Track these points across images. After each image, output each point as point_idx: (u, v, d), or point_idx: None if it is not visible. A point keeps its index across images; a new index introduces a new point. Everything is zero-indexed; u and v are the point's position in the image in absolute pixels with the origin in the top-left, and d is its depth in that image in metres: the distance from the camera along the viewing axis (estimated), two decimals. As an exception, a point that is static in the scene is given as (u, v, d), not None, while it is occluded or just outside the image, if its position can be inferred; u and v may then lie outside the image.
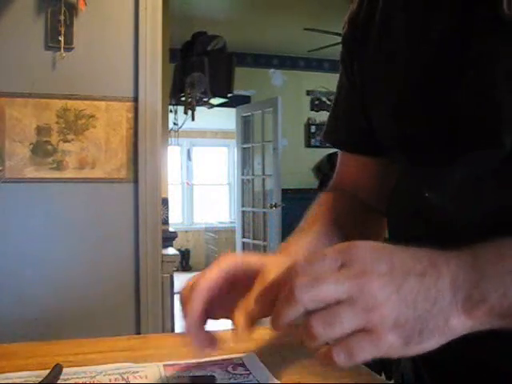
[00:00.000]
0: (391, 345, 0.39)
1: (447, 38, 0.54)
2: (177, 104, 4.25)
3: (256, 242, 5.63)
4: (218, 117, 6.25)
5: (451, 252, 0.42)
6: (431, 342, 0.39)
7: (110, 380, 0.55)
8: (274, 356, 0.63)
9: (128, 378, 0.55)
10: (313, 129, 6.14)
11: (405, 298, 0.39)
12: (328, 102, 6.16)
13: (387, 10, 0.63)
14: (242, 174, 5.92)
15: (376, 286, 0.39)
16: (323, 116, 6.12)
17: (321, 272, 0.40)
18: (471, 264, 0.41)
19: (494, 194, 0.52)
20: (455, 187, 0.55)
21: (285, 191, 5.30)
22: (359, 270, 0.40)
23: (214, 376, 0.55)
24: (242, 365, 0.60)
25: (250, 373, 0.58)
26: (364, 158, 0.75)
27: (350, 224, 0.72)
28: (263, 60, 6.01)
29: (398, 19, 0.61)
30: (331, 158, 5.95)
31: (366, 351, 0.39)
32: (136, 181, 2.05)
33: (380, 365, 1.99)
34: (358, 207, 0.76)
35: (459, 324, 0.39)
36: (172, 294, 2.26)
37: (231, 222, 7.15)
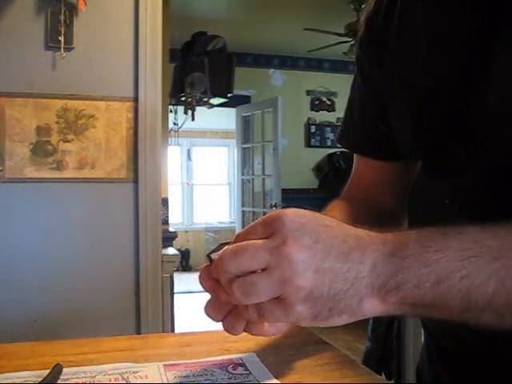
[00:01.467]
0: (299, 315, 0.41)
1: (468, 48, 0.53)
2: (177, 104, 4.25)
3: (256, 242, 5.62)
4: (217, 117, 6.25)
5: (380, 236, 0.42)
6: (339, 320, 0.41)
7: (110, 380, 0.55)
8: (274, 356, 0.63)
9: (128, 377, 0.55)
10: (313, 129, 6.14)
11: (323, 275, 0.40)
12: (328, 102, 6.17)
13: (406, 13, 0.62)
14: (242, 174, 5.92)
15: (295, 257, 0.40)
16: (323, 116, 6.13)
17: (247, 242, 0.42)
18: (394, 253, 0.41)
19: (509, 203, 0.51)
20: (474, 195, 0.55)
21: (285, 191, 5.30)
22: (281, 240, 0.40)
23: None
24: (242, 365, 0.60)
25: (250, 373, 0.58)
26: (379, 163, 0.74)
27: None
28: (263, 60, 6.01)
29: (417, 24, 0.60)
30: (331, 158, 5.95)
31: (276, 316, 0.41)
32: (136, 181, 2.05)
33: (380, 364, 1.99)
34: (368, 214, 0.74)
35: (372, 308, 0.41)
36: (172, 293, 2.26)
37: (231, 222, 7.15)
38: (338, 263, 0.40)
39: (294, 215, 0.42)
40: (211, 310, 0.47)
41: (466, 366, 0.61)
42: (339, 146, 0.83)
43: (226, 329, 0.47)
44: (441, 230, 0.42)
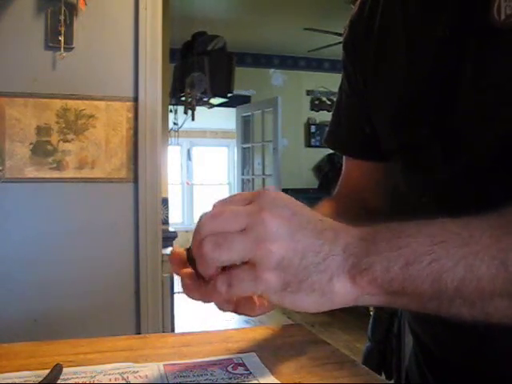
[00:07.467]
0: (268, 283, 0.40)
1: (444, 49, 0.54)
2: (177, 104, 4.25)
3: (256, 241, 5.62)
4: (217, 117, 6.25)
5: (355, 226, 0.43)
6: (309, 298, 0.40)
7: (110, 380, 0.55)
8: (274, 356, 0.63)
9: (128, 377, 0.55)
10: (313, 129, 6.14)
11: (296, 244, 0.40)
12: (328, 102, 6.17)
13: (387, 15, 0.63)
14: (242, 174, 5.92)
15: (272, 223, 0.41)
16: (323, 116, 6.13)
17: (228, 207, 0.43)
18: (367, 238, 0.42)
19: (486, 199, 0.52)
20: (450, 193, 0.56)
21: (285, 191, 5.24)
22: (261, 206, 0.42)
23: None
24: (242, 365, 0.60)
25: (250, 373, 0.58)
26: (367, 164, 0.75)
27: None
28: (263, 60, 6.01)
29: (396, 25, 0.61)
30: (331, 158, 5.96)
31: (245, 284, 0.40)
32: (136, 181, 2.05)
33: (380, 364, 1.99)
34: (355, 211, 0.75)
35: (343, 289, 0.40)
36: (172, 293, 2.26)
37: (231, 222, 7.14)
38: (312, 237, 0.41)
39: (278, 193, 0.44)
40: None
41: (448, 367, 0.62)
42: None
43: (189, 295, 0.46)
44: (414, 221, 0.43)
